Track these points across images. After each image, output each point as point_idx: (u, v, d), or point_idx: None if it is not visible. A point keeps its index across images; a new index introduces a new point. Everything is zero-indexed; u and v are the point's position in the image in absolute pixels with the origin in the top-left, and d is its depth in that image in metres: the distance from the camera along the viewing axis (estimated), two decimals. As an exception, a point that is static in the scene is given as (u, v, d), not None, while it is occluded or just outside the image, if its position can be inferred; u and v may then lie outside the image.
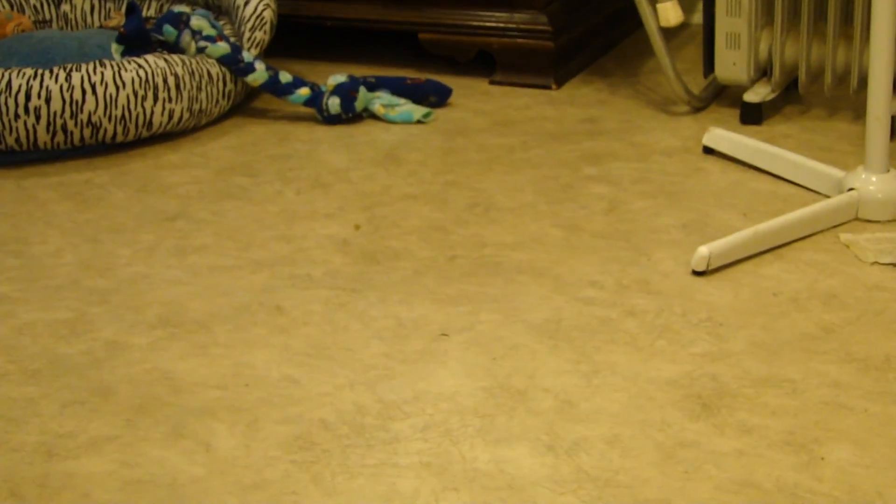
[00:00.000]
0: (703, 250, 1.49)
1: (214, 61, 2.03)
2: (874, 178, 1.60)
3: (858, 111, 1.94)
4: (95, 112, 1.90)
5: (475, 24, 2.19)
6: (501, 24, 2.17)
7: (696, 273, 1.50)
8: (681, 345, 1.35)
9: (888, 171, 1.61)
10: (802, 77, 1.95)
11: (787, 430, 1.19)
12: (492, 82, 2.20)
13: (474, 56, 2.21)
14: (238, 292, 1.52)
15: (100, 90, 1.89)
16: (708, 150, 1.85)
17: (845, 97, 1.96)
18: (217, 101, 2.04)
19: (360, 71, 2.19)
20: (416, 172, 1.85)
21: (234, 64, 2.03)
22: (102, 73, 1.90)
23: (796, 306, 1.42)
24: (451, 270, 1.55)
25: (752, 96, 1.95)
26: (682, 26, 2.14)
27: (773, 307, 1.42)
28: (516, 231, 1.65)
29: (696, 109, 2.02)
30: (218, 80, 2.03)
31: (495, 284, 1.51)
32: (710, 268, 1.50)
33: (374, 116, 2.06)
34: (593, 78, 2.21)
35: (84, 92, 1.88)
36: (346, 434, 1.23)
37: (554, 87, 2.16)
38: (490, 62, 2.20)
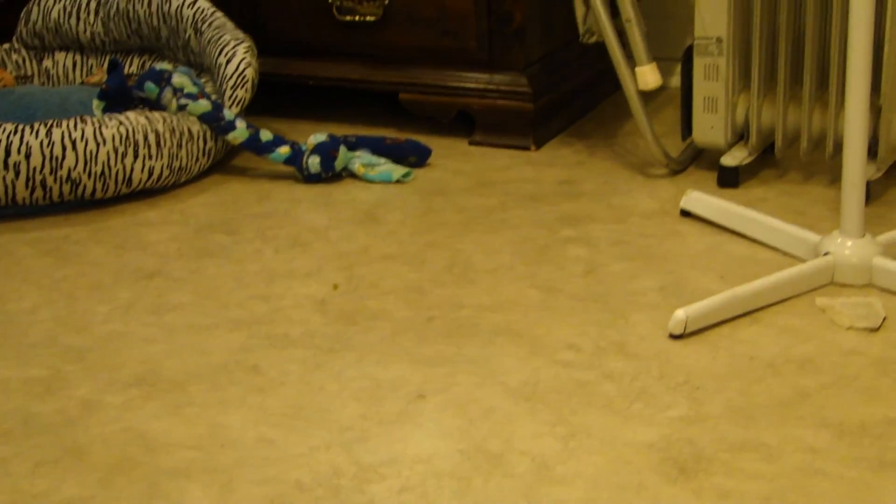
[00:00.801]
0: (680, 313, 1.50)
1: (195, 119, 2.03)
2: (850, 243, 1.62)
3: (834, 175, 1.96)
4: (75, 168, 1.90)
5: (455, 85, 2.20)
6: (481, 86, 2.18)
7: (674, 336, 1.50)
8: (658, 408, 1.35)
9: (863, 235, 1.62)
10: (779, 141, 1.97)
11: (763, 495, 1.19)
12: (471, 143, 2.21)
13: (454, 116, 2.23)
14: (215, 351, 1.52)
15: (80, 146, 1.90)
16: (686, 213, 1.86)
17: (821, 161, 1.98)
18: (197, 158, 2.04)
19: (341, 130, 2.20)
20: (395, 232, 1.85)
21: (215, 122, 2.04)
22: (83, 130, 1.91)
23: (772, 371, 1.42)
24: (428, 331, 1.55)
25: (729, 160, 1.97)
26: (661, 89, 2.16)
27: (750, 371, 1.42)
28: (494, 292, 1.65)
29: (674, 172, 2.04)
30: (199, 137, 2.03)
31: (472, 346, 1.51)
32: (687, 331, 1.50)
33: (354, 176, 2.07)
34: (572, 139, 2.23)
35: (64, 148, 1.89)
36: (321, 496, 1.22)
37: (533, 148, 2.18)
38: (470, 122, 2.22)
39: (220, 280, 1.71)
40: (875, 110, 1.83)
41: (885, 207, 1.87)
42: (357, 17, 2.23)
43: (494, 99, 2.18)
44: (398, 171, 2.05)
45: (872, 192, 1.87)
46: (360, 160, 2.06)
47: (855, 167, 1.60)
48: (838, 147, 1.86)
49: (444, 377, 1.44)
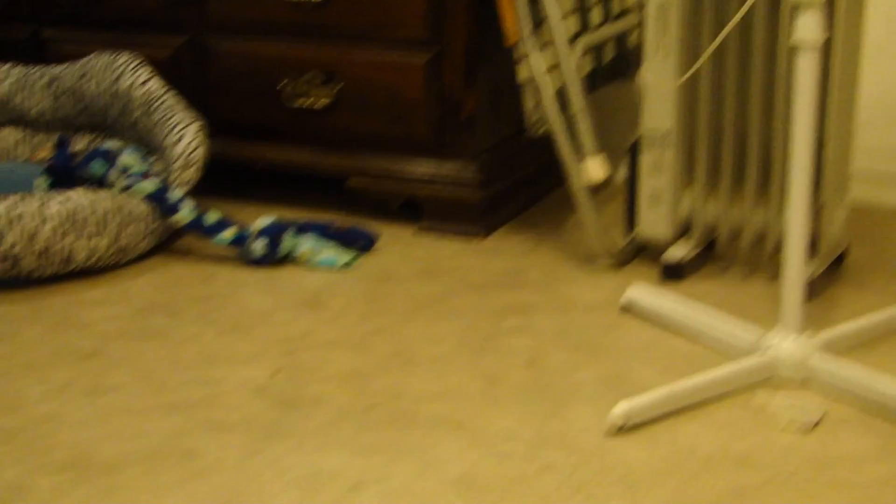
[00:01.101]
0: (621, 407, 1.50)
1: (141, 199, 2.02)
2: (789, 340, 1.62)
3: (776, 271, 1.98)
4: (17, 245, 1.88)
5: (404, 171, 2.21)
6: (430, 173, 2.19)
7: (614, 430, 1.50)
8: (595, 503, 1.34)
9: (803, 332, 1.63)
10: (721, 237, 1.99)
11: None
12: (419, 230, 2.22)
13: (402, 203, 2.23)
14: (150, 435, 1.49)
15: (22, 223, 1.88)
16: (628, 306, 1.86)
17: (763, 258, 1.99)
18: (142, 238, 2.03)
19: (288, 213, 2.19)
20: (340, 318, 1.84)
21: (160, 202, 2.03)
22: (26, 206, 1.89)
23: (710, 467, 1.42)
24: (369, 419, 1.53)
25: (672, 254, 1.98)
26: (607, 182, 2.18)
27: (688, 467, 1.42)
28: (436, 382, 1.64)
29: (618, 265, 2.05)
30: (143, 217, 2.02)
31: (413, 435, 1.49)
32: (627, 425, 1.50)
33: (300, 260, 2.06)
34: (520, 229, 2.24)
35: (6, 224, 1.87)
36: (251, 588, 1.19)
37: (481, 236, 2.18)
38: (418, 209, 2.22)
39: (158, 362, 1.69)
40: (817, 208, 1.86)
41: (827, 304, 1.88)
42: (308, 103, 2.24)
43: (443, 186, 2.19)
44: (344, 256, 2.05)
45: (815, 289, 1.89)
46: (306, 245, 2.06)
47: (795, 264, 1.62)
48: (779, 244, 1.88)
49: (382, 467, 1.42)
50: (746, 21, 1.89)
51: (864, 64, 2.28)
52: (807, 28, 1.61)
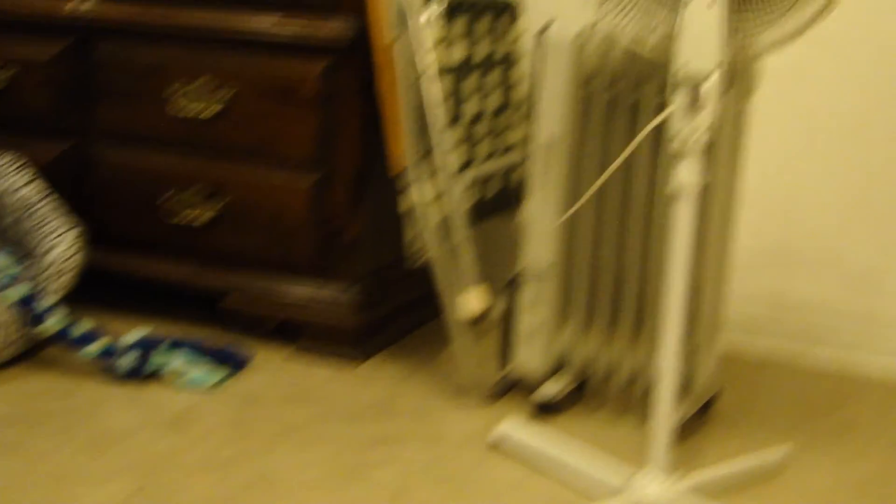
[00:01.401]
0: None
1: (7, 305, 1.96)
2: (657, 482, 1.62)
3: (646, 413, 1.98)
4: None
5: (283, 293, 2.19)
6: (309, 296, 2.17)
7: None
8: None
9: (671, 474, 1.63)
10: (595, 375, 1.99)
11: None
12: (294, 352, 2.18)
13: (279, 324, 2.20)
14: (-10, 557, 1.42)
15: None
16: (498, 442, 1.84)
17: (634, 399, 2.00)
18: (3, 346, 1.96)
19: (162, 328, 2.14)
20: (204, 440, 1.79)
21: (28, 310, 1.97)
22: None
23: None
24: (223, 548, 1.48)
25: (546, 391, 1.98)
26: (484, 315, 2.18)
27: None
28: (298, 511, 1.59)
29: (492, 399, 2.04)
30: (7, 325, 1.96)
31: (268, 567, 1.44)
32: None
33: (169, 377, 2.01)
34: (395, 357, 2.22)
35: None
36: None
37: (356, 362, 2.16)
38: (294, 331, 2.19)
39: (7, 481, 1.61)
40: (690, 351, 1.87)
41: (696, 447, 1.89)
42: (190, 218, 2.21)
43: (321, 310, 2.16)
44: (214, 375, 2.00)
45: (685, 432, 1.89)
46: (176, 362, 2.01)
47: (665, 407, 1.62)
48: (651, 386, 1.88)
49: None
50: (629, 163, 1.92)
51: (740, 210, 2.34)
52: (686, 174, 1.65)
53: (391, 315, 2.29)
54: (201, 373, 2.00)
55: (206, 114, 2.19)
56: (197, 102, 2.19)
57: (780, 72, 2.36)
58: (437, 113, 2.00)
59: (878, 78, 2.33)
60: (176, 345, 2.04)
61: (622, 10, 1.77)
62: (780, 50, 1.72)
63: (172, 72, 2.21)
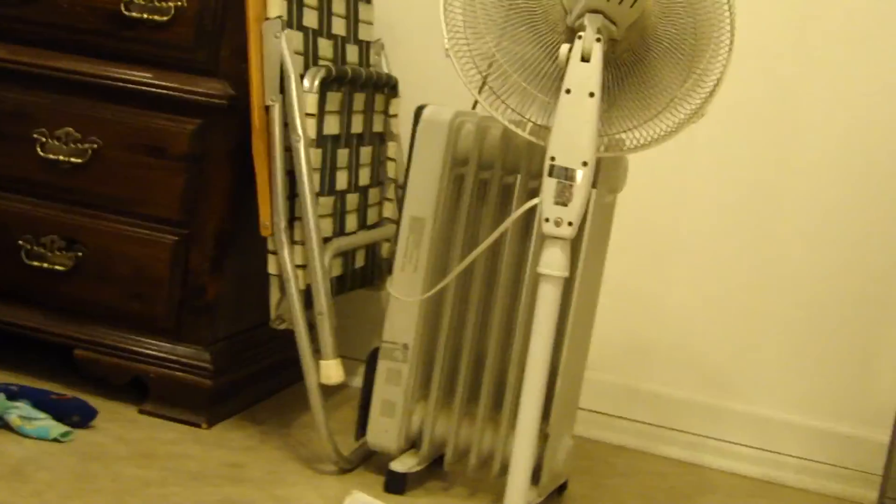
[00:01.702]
0: None
1: None
2: (503, 565, 1.62)
3: (498, 495, 1.99)
4: None
5: (135, 349, 2.14)
6: (162, 354, 2.13)
7: None
8: None
9: (517, 559, 1.64)
10: (449, 454, 1.99)
11: None
12: (141, 411, 2.13)
13: (129, 381, 2.15)
14: None
15: None
16: (348, 514, 1.83)
17: (487, 479, 2.01)
18: None
19: (5, 376, 2.07)
20: (41, 494, 1.73)
21: None
22: None
23: None
24: None
25: (398, 465, 1.97)
26: (342, 386, 2.17)
27: None
28: (137, 572, 1.55)
29: (343, 470, 2.02)
30: None
31: None
32: None
33: (9, 427, 1.94)
34: (248, 423, 2.19)
35: None
36: None
37: (205, 425, 2.12)
38: (145, 389, 2.14)
39: None
40: (543, 437, 1.90)
41: (540, 533, 1.90)
42: (46, 265, 2.16)
43: (173, 370, 2.12)
44: (57, 428, 1.94)
45: (531, 517, 1.91)
46: (18, 411, 1.94)
47: (518, 488, 1.63)
48: (505, 468, 1.89)
49: None
50: (497, 246, 1.95)
51: (601, 301, 2.39)
52: (552, 261, 1.68)
53: (248, 378, 2.27)
54: (43, 425, 1.94)
55: (73, 162, 2.15)
56: (64, 149, 2.15)
57: (648, 168, 2.43)
58: (308, 182, 2.00)
59: (742, 181, 2.43)
60: (20, 394, 1.98)
61: (500, 95, 1.81)
62: (650, 149, 1.78)
63: (40, 116, 2.17)
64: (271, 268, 2.03)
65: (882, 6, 2.35)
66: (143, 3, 2.10)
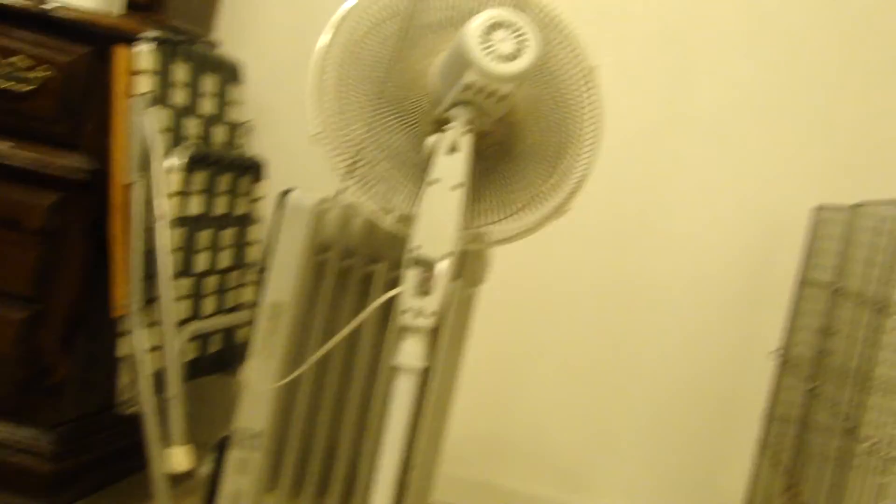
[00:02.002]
0: None
1: None
2: None
3: (345, 592, 1.94)
4: None
5: (-27, 429, 2.05)
6: (5, 436, 2.04)
7: None
8: None
9: None
10: (297, 548, 1.94)
11: None
12: (-24, 495, 2.04)
13: (-36, 463, 2.05)
14: None
15: None
16: None
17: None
18: None
19: None
20: None
21: None
22: None
23: None
24: None
25: (244, 559, 1.91)
26: (190, 474, 2.10)
27: None
28: None
29: (187, 562, 1.95)
30: None
31: None
32: None
33: None
34: (88, 510, 2.11)
35: None
36: None
37: (43, 512, 2.03)
38: (-21, 472, 2.05)
39: None
40: (394, 532, 1.86)
41: None
42: None
43: (12, 453, 2.03)
44: None
45: None
46: None
47: (365, 586, 1.59)
48: (353, 563, 1.85)
49: None
50: (355, 335, 1.92)
51: (457, 396, 2.38)
52: (410, 352, 1.66)
53: (94, 463, 2.18)
54: None
55: (-81, 230, 2.07)
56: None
57: (508, 261, 2.45)
58: (167, 262, 1.96)
59: (598, 280, 2.45)
60: None
61: (367, 183, 1.80)
62: (512, 243, 1.79)
63: None
64: (123, 349, 1.97)
65: (745, 110, 2.42)
66: (7, 71, 2.04)
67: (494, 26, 1.60)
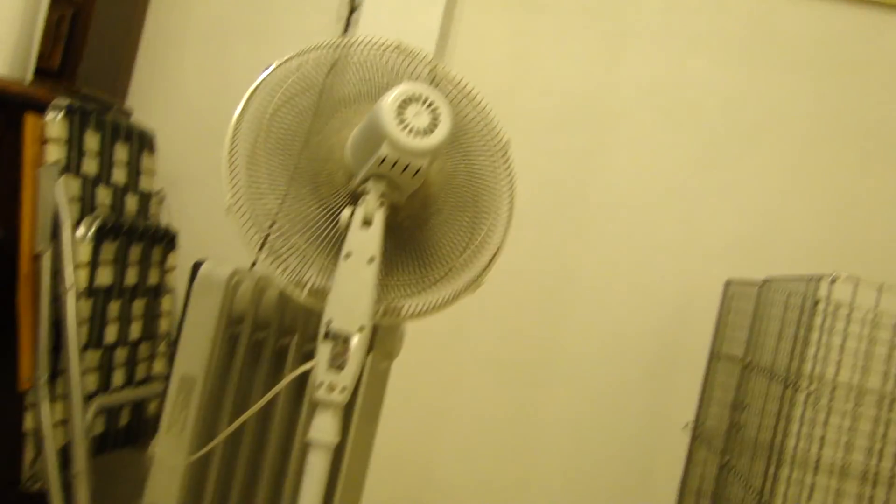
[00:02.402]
0: None
1: None
2: None
3: None
4: None
5: None
6: None
7: None
8: None
9: None
10: None
11: None
12: None
13: None
14: None
15: None
16: None
17: None
18: None
19: None
20: None
21: None
22: None
23: None
24: None
25: None
26: (96, 552, 2.05)
27: None
28: None
29: None
30: None
31: None
32: None
33: None
34: (-12, 591, 2.03)
35: None
36: None
37: (-60, 593, 1.96)
38: None
39: None
40: None
41: None
42: None
43: None
44: None
45: None
46: None
47: None
48: None
49: None
50: (268, 409, 1.90)
51: (372, 468, 2.35)
52: (324, 425, 1.64)
53: (-9, 543, 2.11)
54: None
55: None
56: None
57: (423, 334, 2.44)
58: (75, 334, 1.92)
59: (512, 356, 2.45)
60: None
61: (280, 255, 1.79)
62: (427, 316, 1.78)
63: None
64: (28, 424, 1.92)
65: (657, 185, 2.45)
66: None
67: (409, 101, 1.60)
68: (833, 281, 1.79)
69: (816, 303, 1.86)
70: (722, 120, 2.50)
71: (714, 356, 2.41)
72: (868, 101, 2.48)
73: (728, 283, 2.43)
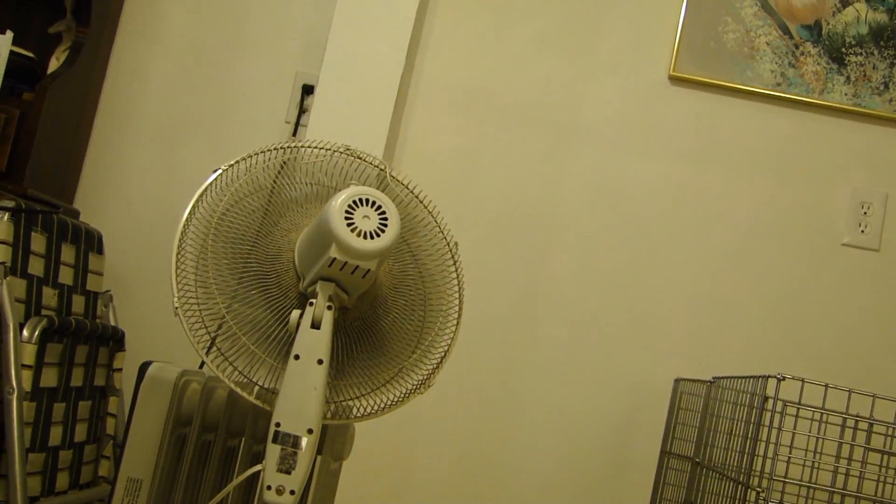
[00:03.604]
0: None
1: None
2: None
3: None
4: None
5: None
6: None
7: None
8: None
9: None
10: None
11: None
12: None
13: None
14: None
15: None
16: None
17: None
18: None
19: None
20: None
21: None
22: None
23: None
24: None
25: None
26: None
27: None
28: None
29: None
30: None
31: None
32: None
33: None
34: None
35: None
36: None
37: None
38: None
39: None
40: None
41: None
42: None
43: None
44: None
45: None
46: None
47: None
48: None
49: None
50: (214, 514, 1.87)
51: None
52: (271, 531, 1.62)
53: None
54: None
55: None
56: None
57: (374, 435, 2.42)
58: (19, 436, 1.88)
59: (465, 455, 2.44)
60: None
61: (228, 357, 1.78)
62: (378, 417, 1.77)
63: None
64: (-33, 530, 1.88)
65: (604, 287, 2.47)
66: None
67: (357, 203, 1.61)
68: (781, 380, 1.81)
69: (766, 399, 1.88)
70: (668, 218, 2.53)
71: (665, 453, 2.41)
72: (809, 199, 2.53)
73: (677, 381, 2.44)
